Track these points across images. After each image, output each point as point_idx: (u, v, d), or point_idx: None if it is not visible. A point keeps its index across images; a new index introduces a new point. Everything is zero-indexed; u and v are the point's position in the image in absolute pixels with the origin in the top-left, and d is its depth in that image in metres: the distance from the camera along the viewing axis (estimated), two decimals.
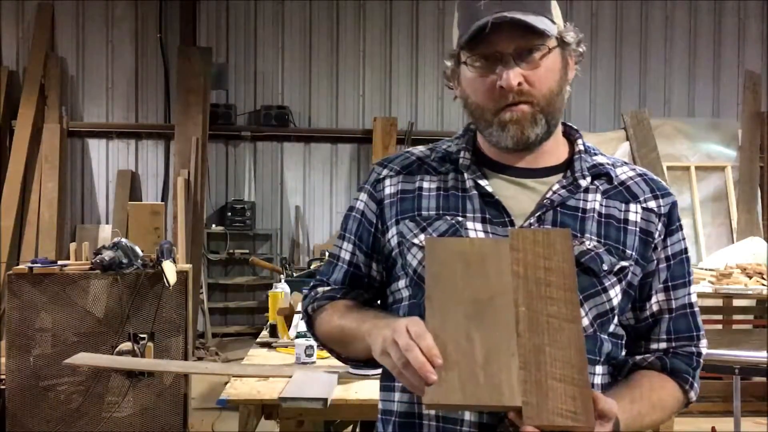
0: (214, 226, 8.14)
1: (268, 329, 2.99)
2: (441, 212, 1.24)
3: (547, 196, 1.22)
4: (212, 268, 8.21)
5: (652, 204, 1.26)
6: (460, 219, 1.23)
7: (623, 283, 1.21)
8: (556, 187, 1.23)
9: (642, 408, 1.20)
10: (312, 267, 4.35)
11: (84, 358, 3.11)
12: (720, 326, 5.20)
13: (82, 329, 4.12)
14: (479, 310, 1.07)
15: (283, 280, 3.27)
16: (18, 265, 5.47)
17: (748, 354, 3.51)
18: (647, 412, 1.21)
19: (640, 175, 1.29)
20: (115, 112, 8.29)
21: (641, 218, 1.24)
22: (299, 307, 2.96)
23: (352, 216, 1.35)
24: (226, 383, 2.40)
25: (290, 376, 2.35)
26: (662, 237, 1.25)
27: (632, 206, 1.24)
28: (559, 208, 1.22)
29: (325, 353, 2.68)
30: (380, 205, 1.30)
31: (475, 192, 1.24)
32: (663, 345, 1.28)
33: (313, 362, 2.54)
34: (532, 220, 1.21)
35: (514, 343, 1.05)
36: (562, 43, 1.24)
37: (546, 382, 1.04)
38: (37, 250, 7.25)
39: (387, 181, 1.31)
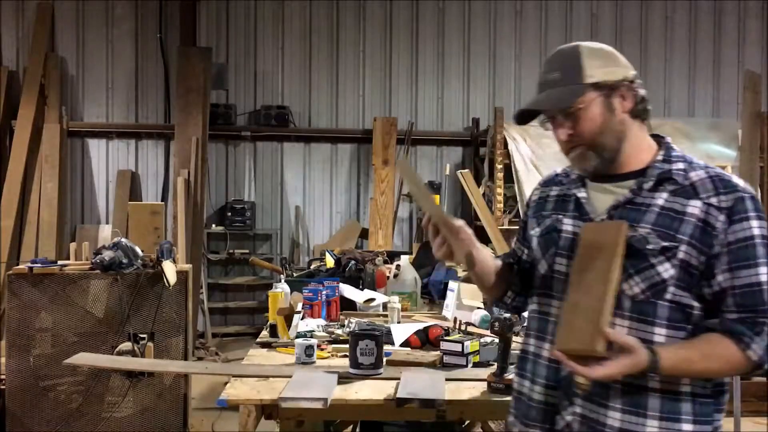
0: (214, 226, 8.14)
1: (268, 329, 2.99)
2: (552, 212, 1.76)
3: (618, 198, 1.64)
4: (212, 268, 8.21)
5: (714, 200, 1.56)
6: (560, 217, 1.73)
7: (674, 260, 1.54)
8: (626, 191, 1.64)
9: (690, 355, 1.52)
10: (312, 267, 4.34)
11: (84, 358, 3.10)
12: None
13: (82, 329, 4.12)
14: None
15: (283, 280, 3.26)
16: (18, 265, 5.47)
17: None
18: (697, 359, 1.52)
19: (710, 176, 1.60)
20: (115, 112, 8.29)
21: (701, 211, 1.56)
22: (299, 307, 2.96)
23: (521, 219, 1.95)
24: (226, 383, 2.39)
25: (290, 376, 2.35)
26: (725, 227, 1.54)
27: (693, 201, 1.57)
28: (627, 205, 1.62)
29: (324, 353, 2.69)
30: (528, 209, 1.87)
31: (573, 197, 1.73)
32: (733, 315, 1.55)
33: (313, 362, 2.54)
34: (604, 216, 1.64)
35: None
36: (602, 89, 1.62)
37: (575, 323, 1.51)
38: (37, 250, 7.25)
39: (535, 192, 1.87)
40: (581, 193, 1.70)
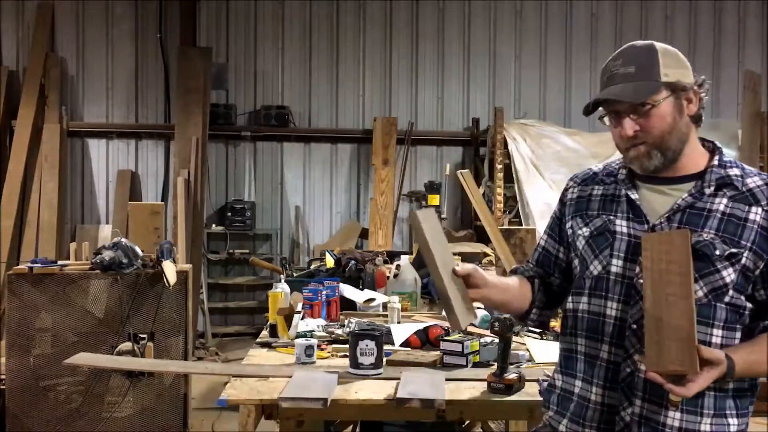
0: (214, 226, 8.14)
1: (268, 329, 2.99)
2: (600, 212, 1.75)
3: (678, 201, 1.64)
4: (212, 268, 8.21)
5: None
6: (611, 218, 1.71)
7: (737, 265, 1.58)
8: (685, 195, 1.64)
9: (760, 358, 1.57)
10: (312, 267, 4.33)
11: (84, 358, 3.10)
12: None
13: (82, 329, 4.12)
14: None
15: (283, 280, 3.26)
16: (18, 265, 5.47)
17: None
18: (764, 361, 1.57)
19: (767, 183, 1.64)
20: (115, 112, 8.29)
21: (761, 218, 1.60)
22: (299, 307, 2.96)
23: (552, 216, 1.92)
24: (226, 383, 2.39)
25: (290, 376, 2.35)
26: None
27: (754, 209, 1.61)
28: (688, 210, 1.63)
29: (324, 353, 2.69)
30: (563, 206, 1.85)
31: (624, 198, 1.71)
32: None
33: (313, 362, 2.54)
34: (662, 220, 1.64)
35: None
36: (674, 90, 1.63)
37: (666, 343, 1.50)
38: (37, 250, 7.25)
39: (571, 189, 1.85)
40: (633, 195, 1.70)
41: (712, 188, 1.63)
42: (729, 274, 1.58)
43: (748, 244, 1.58)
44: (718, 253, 1.58)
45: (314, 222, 8.52)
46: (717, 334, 1.60)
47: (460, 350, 2.49)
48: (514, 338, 2.31)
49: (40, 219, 7.45)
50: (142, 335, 4.13)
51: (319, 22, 8.43)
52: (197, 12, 8.16)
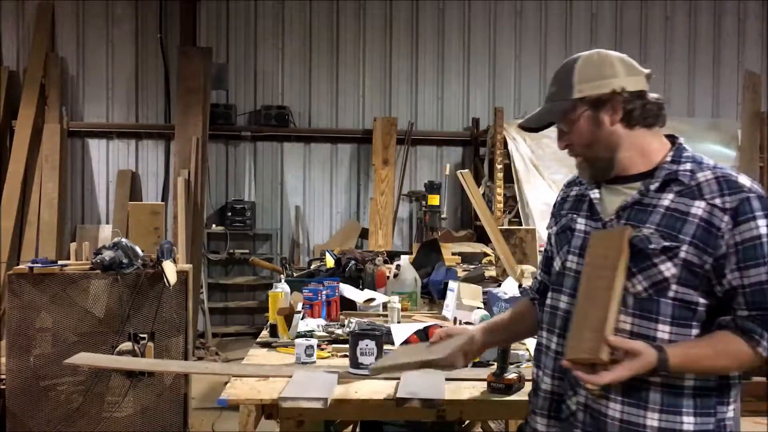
0: (214, 226, 8.14)
1: (268, 329, 2.99)
2: (568, 212, 1.82)
3: (627, 199, 1.69)
4: (212, 268, 8.21)
5: (718, 201, 1.59)
6: (574, 216, 1.79)
7: (676, 259, 1.58)
8: (634, 191, 1.68)
9: (700, 353, 1.56)
10: (312, 267, 4.34)
11: (84, 358, 3.10)
12: None
13: (82, 329, 4.12)
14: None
15: (283, 280, 3.26)
16: (18, 265, 5.47)
17: None
18: (706, 357, 1.56)
19: (716, 177, 1.62)
20: (115, 112, 8.29)
21: (704, 212, 1.59)
22: (299, 307, 2.96)
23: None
24: (226, 383, 2.40)
25: (290, 376, 2.35)
26: (730, 227, 1.57)
27: (697, 202, 1.60)
28: (635, 206, 1.67)
29: (324, 353, 2.69)
30: (554, 208, 1.93)
31: (588, 198, 1.77)
32: (743, 313, 1.58)
33: (313, 362, 2.54)
34: (613, 216, 1.70)
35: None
36: (589, 104, 1.68)
37: (583, 333, 1.56)
38: (37, 250, 7.26)
39: (560, 193, 1.93)
40: (594, 194, 1.76)
41: (658, 184, 1.65)
42: (668, 269, 1.58)
43: (687, 238, 1.58)
44: (652, 246, 1.59)
45: (314, 222, 8.52)
46: (664, 330, 1.60)
47: None
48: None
49: (41, 219, 7.45)
50: (142, 335, 4.14)
51: (319, 22, 8.43)
52: (197, 12, 8.16)
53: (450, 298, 3.25)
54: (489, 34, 8.59)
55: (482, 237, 6.77)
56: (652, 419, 1.60)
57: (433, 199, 7.31)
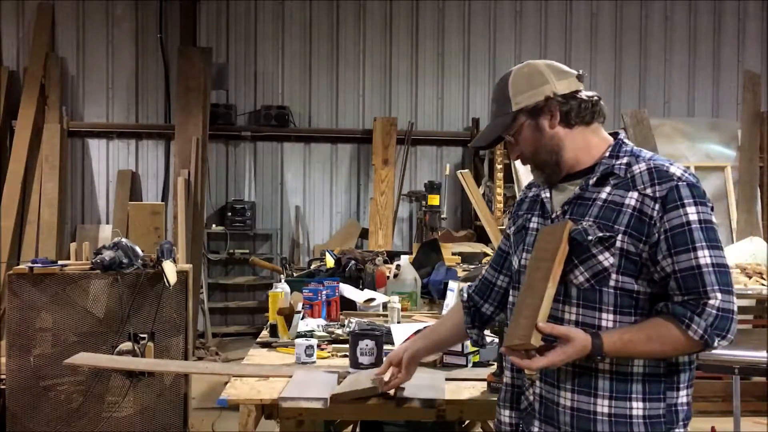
0: (214, 226, 8.14)
1: (268, 329, 2.99)
2: (525, 212, 1.89)
3: (569, 195, 1.75)
4: (212, 268, 8.21)
5: (648, 191, 1.65)
6: (529, 216, 1.86)
7: (612, 249, 1.64)
8: (576, 189, 1.74)
9: (634, 337, 1.60)
10: (312, 267, 4.33)
11: (84, 358, 3.10)
12: None
13: (82, 329, 4.12)
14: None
15: (283, 280, 3.26)
16: (18, 265, 5.47)
17: (747, 354, 3.52)
18: (641, 341, 1.60)
19: (649, 168, 1.68)
20: (116, 112, 8.29)
21: (637, 201, 1.65)
22: (299, 307, 2.96)
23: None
24: (226, 383, 2.40)
25: (290, 376, 2.35)
26: (660, 215, 1.62)
27: (631, 193, 1.66)
28: (577, 201, 1.73)
29: (325, 353, 2.69)
30: (512, 208, 2.00)
31: (540, 198, 1.84)
32: (678, 298, 1.62)
33: (313, 362, 2.54)
34: (558, 212, 1.77)
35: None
36: (528, 112, 1.75)
37: (519, 321, 1.63)
38: (37, 250, 7.25)
39: (520, 194, 1.98)
40: (545, 194, 1.83)
41: (595, 179, 1.72)
42: (606, 258, 1.65)
43: (622, 228, 1.64)
44: (589, 238, 1.65)
45: (314, 222, 8.52)
46: (607, 318, 1.65)
47: (460, 350, 2.49)
48: None
49: (41, 219, 7.45)
50: (142, 335, 4.14)
51: (319, 22, 8.43)
52: (197, 12, 8.16)
53: (450, 298, 3.26)
54: (489, 34, 8.59)
55: (482, 237, 6.78)
56: (602, 406, 1.65)
57: (433, 199, 7.31)
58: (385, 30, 8.50)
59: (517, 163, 8.01)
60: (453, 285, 3.29)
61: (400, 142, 8.26)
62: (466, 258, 5.24)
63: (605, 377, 1.65)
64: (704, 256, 1.60)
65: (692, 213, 1.62)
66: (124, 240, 4.23)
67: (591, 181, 1.73)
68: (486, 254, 5.41)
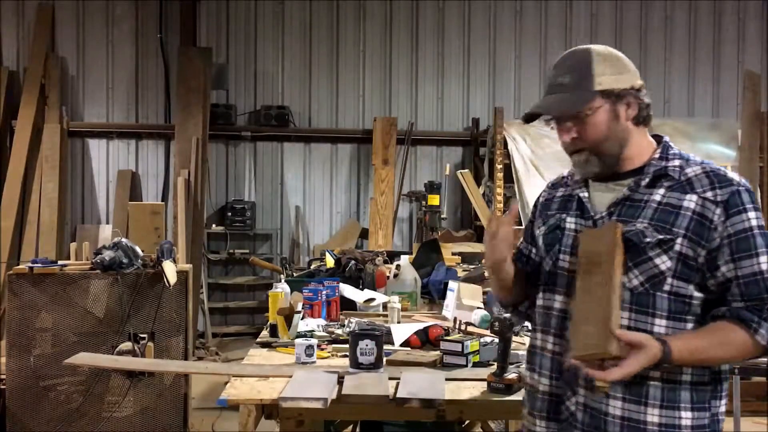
0: (214, 226, 8.14)
1: (268, 329, 2.99)
2: (557, 212, 1.82)
3: (617, 196, 1.70)
4: (212, 268, 8.21)
5: (709, 194, 1.61)
6: (563, 216, 1.79)
7: (671, 252, 1.60)
8: (624, 188, 1.69)
9: (702, 344, 1.56)
10: (312, 267, 4.33)
11: (84, 358, 3.11)
12: None
13: (82, 329, 4.12)
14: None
15: (283, 280, 3.27)
16: (18, 265, 5.47)
17: None
18: (708, 347, 1.56)
19: (705, 171, 1.65)
20: (116, 112, 8.29)
21: (697, 205, 1.61)
22: (299, 307, 2.96)
23: (526, 225, 2.00)
24: (226, 383, 2.40)
25: (290, 376, 2.35)
26: (722, 219, 1.60)
27: (689, 196, 1.62)
28: (626, 203, 1.68)
29: (324, 353, 2.69)
30: (535, 209, 1.92)
31: (576, 197, 1.78)
32: (739, 304, 1.59)
33: (313, 362, 2.54)
34: (604, 213, 1.70)
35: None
36: (609, 97, 1.67)
37: (587, 329, 1.55)
38: (37, 250, 7.25)
39: (543, 194, 1.93)
40: (583, 193, 1.76)
41: (648, 180, 1.67)
42: (663, 262, 1.60)
43: (681, 231, 1.60)
44: (647, 240, 1.60)
45: (314, 222, 8.52)
46: (660, 324, 1.61)
47: (460, 350, 2.49)
48: (514, 338, 2.31)
49: (41, 219, 7.45)
50: (142, 335, 4.14)
51: (319, 22, 8.43)
52: (197, 12, 8.16)
53: (450, 298, 3.26)
54: (489, 34, 8.58)
55: (482, 237, 6.76)
56: (653, 415, 1.60)
57: (433, 199, 7.31)
58: (385, 30, 8.50)
59: (518, 163, 7.96)
60: (453, 285, 3.29)
61: (400, 142, 8.26)
62: (466, 258, 5.23)
63: (656, 385, 1.60)
64: (765, 262, 1.59)
65: (753, 219, 1.60)
66: (124, 240, 4.23)
67: (643, 183, 1.67)
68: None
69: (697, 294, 1.62)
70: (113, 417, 4.12)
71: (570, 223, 1.77)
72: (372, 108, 8.46)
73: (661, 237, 1.60)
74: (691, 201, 1.61)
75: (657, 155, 1.71)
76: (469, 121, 8.54)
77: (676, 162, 1.69)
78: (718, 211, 1.59)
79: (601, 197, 1.73)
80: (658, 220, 1.62)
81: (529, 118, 1.78)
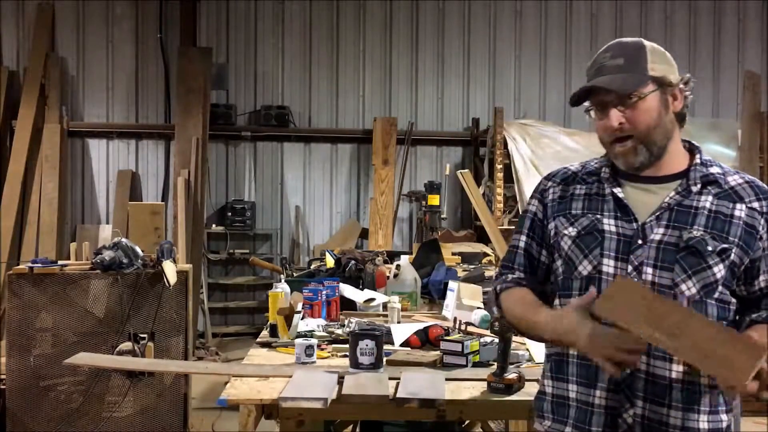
0: (214, 226, 8.14)
1: (268, 329, 2.99)
2: (585, 211, 1.71)
3: (665, 199, 1.65)
4: (212, 268, 8.21)
5: (755, 204, 1.65)
6: (598, 217, 1.69)
7: (727, 261, 1.60)
8: (672, 193, 1.65)
9: None
10: (312, 267, 4.33)
11: (84, 358, 3.11)
12: None
13: (82, 329, 4.12)
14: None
15: (283, 280, 3.26)
16: (18, 265, 5.47)
17: None
18: None
19: (747, 182, 1.68)
20: (116, 112, 8.29)
21: (745, 215, 1.63)
22: (299, 307, 2.96)
23: (527, 216, 1.84)
24: (226, 383, 2.40)
25: (290, 376, 2.35)
26: (766, 230, 1.64)
27: (738, 205, 1.64)
28: (676, 208, 1.64)
29: (324, 353, 2.69)
30: (545, 207, 1.78)
31: (611, 197, 1.69)
32: None
33: (313, 362, 2.54)
34: (652, 218, 1.64)
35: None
36: (661, 85, 1.65)
37: (719, 359, 1.42)
38: (37, 250, 7.26)
39: (550, 190, 1.79)
40: (620, 193, 1.69)
41: (699, 186, 1.66)
42: (720, 270, 1.61)
43: (736, 240, 1.62)
44: (710, 248, 1.60)
45: (314, 222, 8.52)
46: None
47: (460, 350, 2.48)
48: (514, 338, 2.31)
49: (41, 219, 7.45)
50: (142, 335, 4.14)
51: (319, 22, 8.43)
52: (197, 12, 8.16)
53: (450, 298, 3.25)
54: (489, 34, 8.58)
55: (482, 237, 6.77)
56: (703, 421, 1.63)
57: (433, 199, 7.31)
58: (385, 30, 8.50)
59: (518, 163, 7.96)
60: (453, 285, 3.29)
61: (400, 142, 8.26)
62: (466, 258, 5.23)
63: (706, 391, 1.63)
64: None
65: None
66: (124, 240, 4.23)
67: (694, 188, 1.65)
68: (486, 254, 5.41)
69: (733, 300, 1.65)
70: (113, 417, 4.12)
71: (609, 225, 1.67)
72: (372, 108, 8.46)
73: (724, 246, 1.61)
74: (741, 210, 1.63)
75: (698, 160, 1.69)
76: (469, 121, 8.54)
77: (717, 169, 1.69)
78: (762, 221, 1.64)
79: (641, 199, 1.68)
80: (713, 228, 1.62)
81: (577, 100, 1.70)
